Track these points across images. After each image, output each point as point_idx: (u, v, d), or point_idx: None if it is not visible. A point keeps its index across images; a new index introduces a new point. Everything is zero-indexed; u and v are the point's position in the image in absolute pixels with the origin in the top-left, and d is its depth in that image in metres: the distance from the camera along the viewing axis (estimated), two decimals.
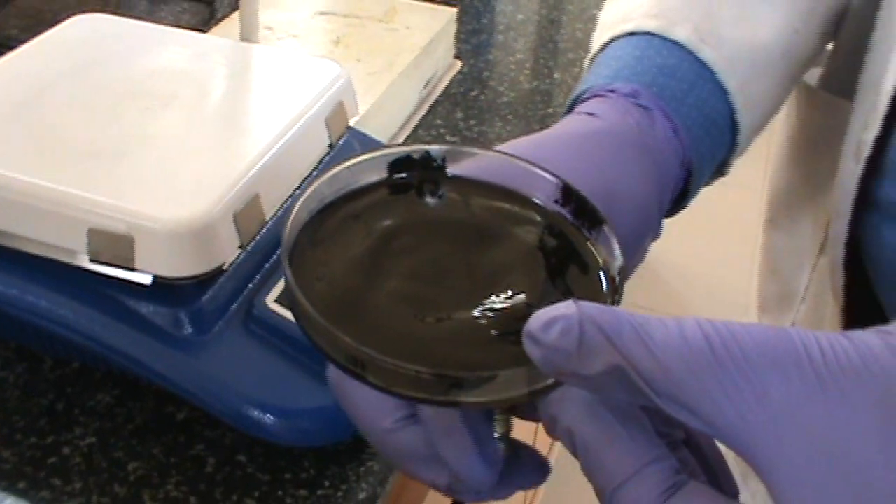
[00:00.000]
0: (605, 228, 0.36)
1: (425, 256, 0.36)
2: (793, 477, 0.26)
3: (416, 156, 0.39)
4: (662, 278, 2.44)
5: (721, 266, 2.53)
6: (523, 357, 0.29)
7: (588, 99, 0.50)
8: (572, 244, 0.37)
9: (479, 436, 0.35)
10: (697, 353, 0.27)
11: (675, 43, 0.52)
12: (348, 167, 0.38)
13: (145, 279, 0.54)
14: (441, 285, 0.35)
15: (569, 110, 0.51)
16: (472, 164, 0.39)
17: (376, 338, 0.32)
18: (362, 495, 0.55)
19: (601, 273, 0.36)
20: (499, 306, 0.34)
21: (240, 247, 0.57)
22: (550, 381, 0.31)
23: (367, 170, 0.39)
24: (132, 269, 0.54)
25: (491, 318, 0.34)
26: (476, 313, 0.34)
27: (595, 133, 0.46)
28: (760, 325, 0.27)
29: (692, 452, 0.34)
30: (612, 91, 0.49)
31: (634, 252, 0.47)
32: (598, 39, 0.56)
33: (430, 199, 0.39)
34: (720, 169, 0.57)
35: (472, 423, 0.35)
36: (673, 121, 0.49)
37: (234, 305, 0.56)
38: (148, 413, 0.59)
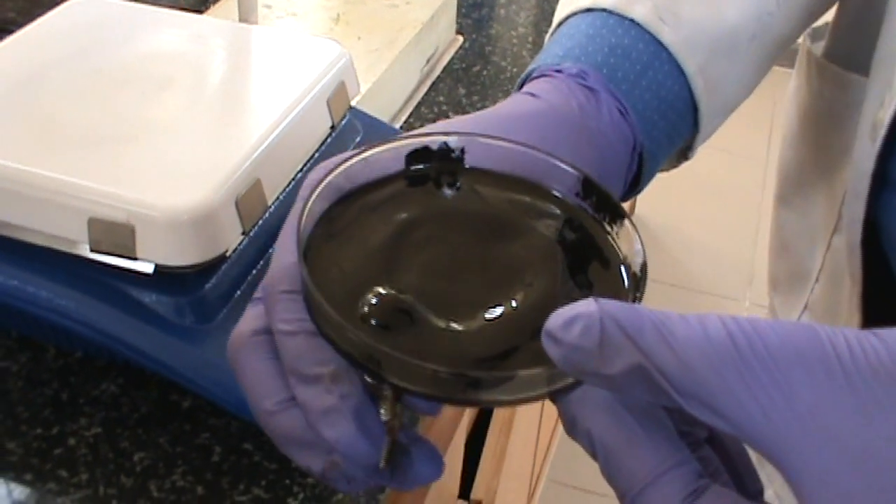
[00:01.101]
0: (627, 223, 0.35)
1: (443, 250, 0.35)
2: (820, 480, 0.26)
3: (433, 147, 0.38)
4: (666, 248, 2.43)
5: (725, 236, 2.52)
6: (543, 355, 0.28)
7: (536, 78, 0.49)
8: (593, 238, 0.36)
9: (360, 411, 0.34)
10: (721, 351, 0.26)
11: (633, 21, 0.49)
12: (364, 158, 0.37)
13: (147, 268, 0.54)
14: (459, 280, 0.34)
15: (520, 88, 0.50)
16: (490, 154, 0.39)
17: (396, 335, 0.32)
18: None
19: (622, 269, 0.35)
20: (519, 302, 0.33)
21: (242, 233, 0.56)
22: (570, 380, 0.31)
23: (383, 161, 0.38)
24: (134, 258, 0.53)
25: (511, 314, 0.33)
26: (499, 309, 0.33)
27: (532, 114, 0.45)
28: (785, 321, 0.27)
29: (715, 450, 0.34)
30: (559, 71, 0.48)
31: None
32: (558, 15, 0.54)
33: (447, 192, 0.38)
34: (684, 152, 0.55)
35: (353, 402, 0.34)
36: (622, 103, 0.47)
37: (238, 293, 0.56)
38: (153, 402, 0.58)
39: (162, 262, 0.53)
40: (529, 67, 0.50)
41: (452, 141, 0.38)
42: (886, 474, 0.25)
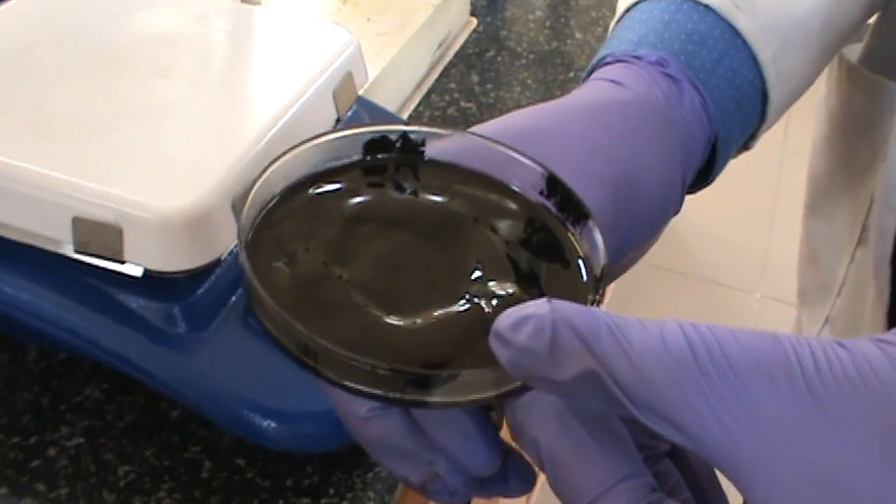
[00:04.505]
0: (591, 223, 0.34)
1: (397, 245, 0.34)
2: (782, 498, 0.24)
3: (392, 137, 0.37)
4: (679, 237, 2.40)
5: (738, 226, 2.48)
6: (493, 357, 0.27)
7: (611, 64, 0.47)
8: (554, 238, 0.35)
9: (478, 418, 0.32)
10: (679, 361, 0.25)
11: (707, 8, 0.48)
12: (318, 145, 0.36)
13: (136, 272, 0.50)
14: (412, 276, 0.33)
15: (589, 75, 0.48)
16: (452, 148, 0.37)
17: (337, 330, 0.30)
18: None
19: (583, 271, 0.34)
20: (471, 301, 0.32)
21: None
22: (519, 383, 0.29)
23: (339, 149, 0.36)
24: (121, 262, 0.49)
25: (462, 313, 0.32)
26: (447, 308, 0.32)
27: (620, 103, 0.43)
28: (749, 330, 0.25)
29: (677, 464, 0.32)
30: (637, 58, 0.46)
31: (656, 230, 0.44)
32: (624, 1, 0.52)
33: (405, 184, 0.36)
34: (746, 143, 0.53)
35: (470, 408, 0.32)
36: (702, 93, 0.46)
37: (233, 300, 0.52)
38: (139, 410, 0.55)
39: (151, 266, 0.49)
40: (601, 53, 0.49)
41: (413, 132, 0.37)
42: (853, 491, 0.24)
